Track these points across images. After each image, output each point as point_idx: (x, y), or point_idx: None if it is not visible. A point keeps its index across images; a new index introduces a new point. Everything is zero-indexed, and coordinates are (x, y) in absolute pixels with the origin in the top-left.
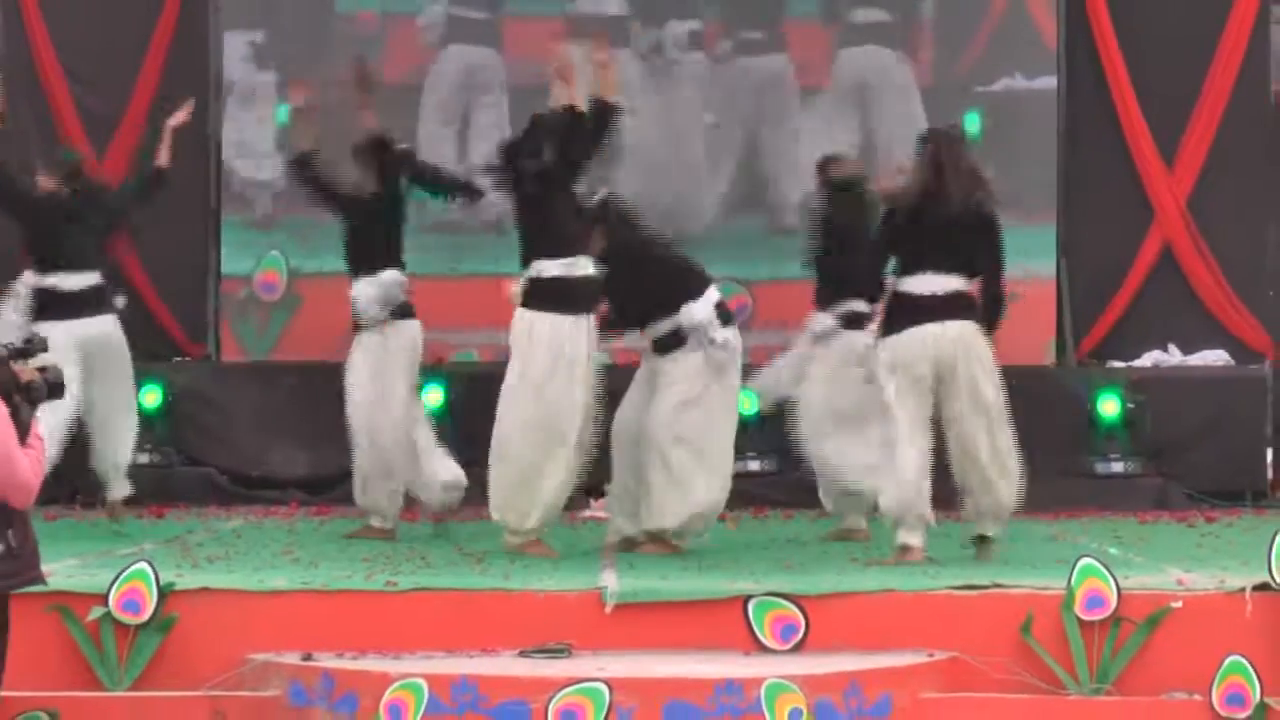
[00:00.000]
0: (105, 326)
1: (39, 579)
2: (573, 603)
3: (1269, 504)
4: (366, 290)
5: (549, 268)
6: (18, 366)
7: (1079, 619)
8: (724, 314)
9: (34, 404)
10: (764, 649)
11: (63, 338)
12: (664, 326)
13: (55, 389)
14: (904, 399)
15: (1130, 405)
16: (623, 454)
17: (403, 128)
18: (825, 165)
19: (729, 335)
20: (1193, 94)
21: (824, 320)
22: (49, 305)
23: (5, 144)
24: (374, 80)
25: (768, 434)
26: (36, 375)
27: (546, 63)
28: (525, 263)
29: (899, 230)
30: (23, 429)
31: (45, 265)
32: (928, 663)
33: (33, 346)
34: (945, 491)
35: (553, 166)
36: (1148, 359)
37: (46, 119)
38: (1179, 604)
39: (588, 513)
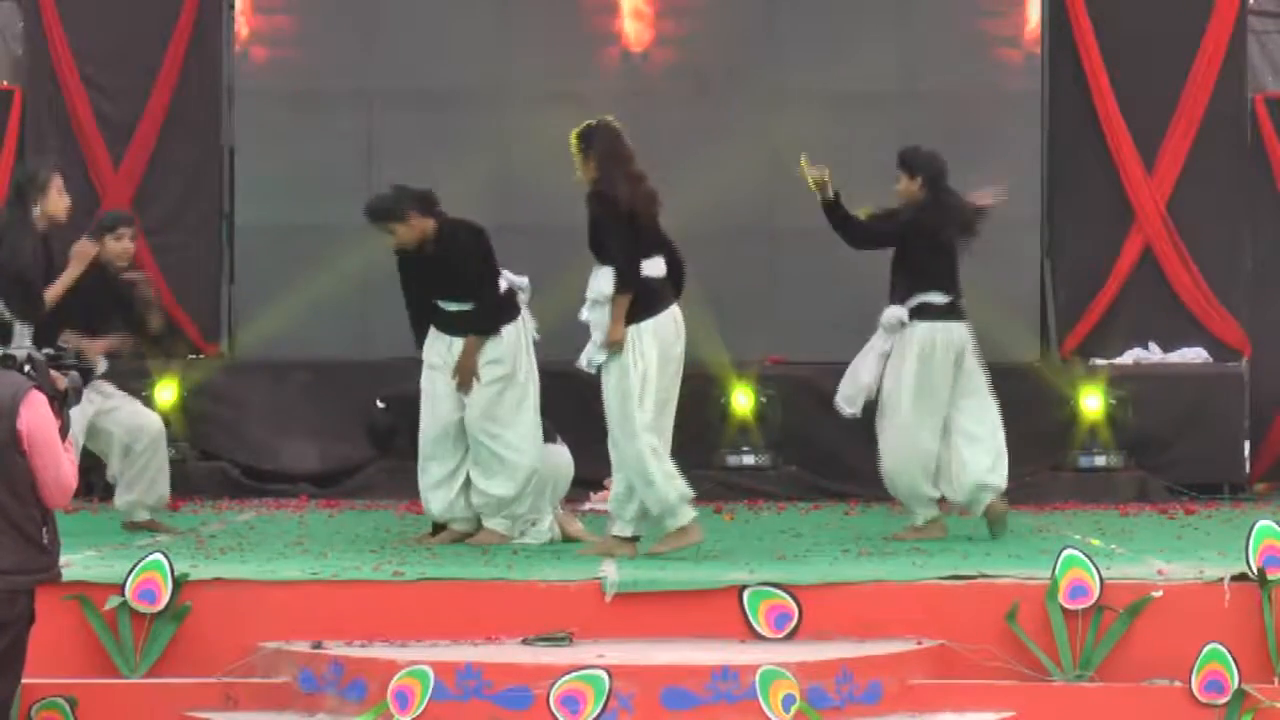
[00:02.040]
0: None
1: (59, 575)
2: (574, 592)
3: (1246, 496)
4: None
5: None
6: (53, 374)
7: (1063, 608)
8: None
9: (68, 409)
10: (758, 637)
11: None
12: None
13: (77, 395)
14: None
15: (1112, 401)
16: None
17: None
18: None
19: None
20: (1172, 100)
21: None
22: None
23: None
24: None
25: (762, 429)
26: (67, 383)
27: None
28: None
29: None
30: (61, 433)
31: None
32: (917, 650)
33: (63, 356)
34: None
35: None
36: (1129, 356)
37: (66, 125)
38: (1160, 593)
39: (588, 505)
